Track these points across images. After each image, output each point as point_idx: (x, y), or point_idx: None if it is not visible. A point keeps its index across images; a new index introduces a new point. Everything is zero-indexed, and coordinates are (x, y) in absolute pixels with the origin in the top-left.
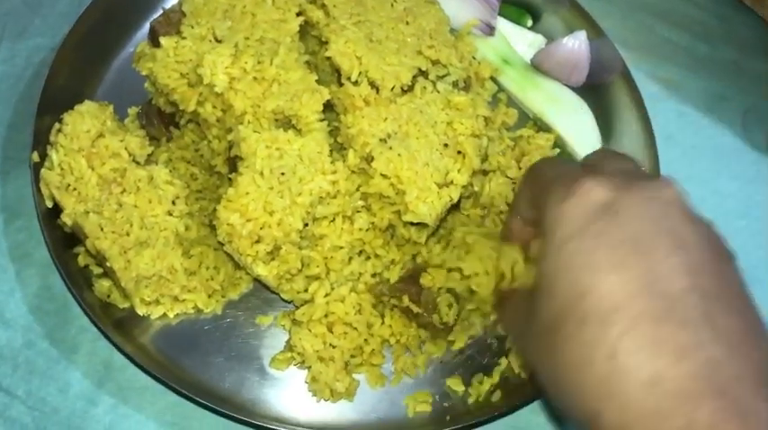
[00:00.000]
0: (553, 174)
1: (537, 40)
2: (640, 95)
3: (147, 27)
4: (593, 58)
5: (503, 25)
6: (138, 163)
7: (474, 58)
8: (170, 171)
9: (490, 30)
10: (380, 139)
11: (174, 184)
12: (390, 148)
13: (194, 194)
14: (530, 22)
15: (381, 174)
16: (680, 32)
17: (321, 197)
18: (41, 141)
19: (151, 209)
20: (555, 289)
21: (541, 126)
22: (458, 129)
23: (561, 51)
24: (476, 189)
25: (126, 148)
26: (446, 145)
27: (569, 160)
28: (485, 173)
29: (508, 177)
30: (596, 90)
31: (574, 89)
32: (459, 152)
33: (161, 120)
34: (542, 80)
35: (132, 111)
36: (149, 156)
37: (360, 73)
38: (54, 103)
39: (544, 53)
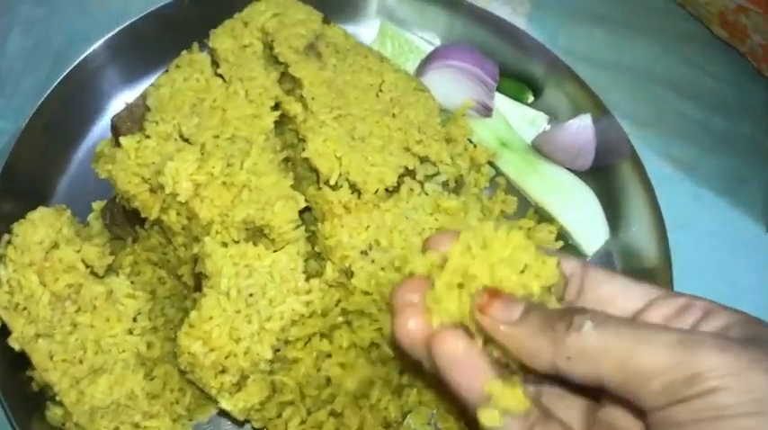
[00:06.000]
0: None
1: (538, 118)
2: (649, 179)
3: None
4: (598, 139)
5: (501, 102)
6: (96, 274)
7: (470, 141)
8: (136, 274)
9: (487, 111)
10: (361, 251)
11: (136, 297)
12: (372, 262)
13: (160, 303)
14: (531, 98)
15: (362, 291)
16: (694, 105)
17: (294, 320)
18: None
19: (109, 328)
20: None
21: (543, 215)
22: None
23: (565, 135)
24: None
25: (83, 260)
26: None
27: None
28: None
29: None
30: (602, 173)
31: (578, 173)
32: None
33: (126, 219)
34: (544, 164)
35: (97, 205)
36: (110, 265)
37: (340, 175)
38: (12, 198)
39: (546, 136)
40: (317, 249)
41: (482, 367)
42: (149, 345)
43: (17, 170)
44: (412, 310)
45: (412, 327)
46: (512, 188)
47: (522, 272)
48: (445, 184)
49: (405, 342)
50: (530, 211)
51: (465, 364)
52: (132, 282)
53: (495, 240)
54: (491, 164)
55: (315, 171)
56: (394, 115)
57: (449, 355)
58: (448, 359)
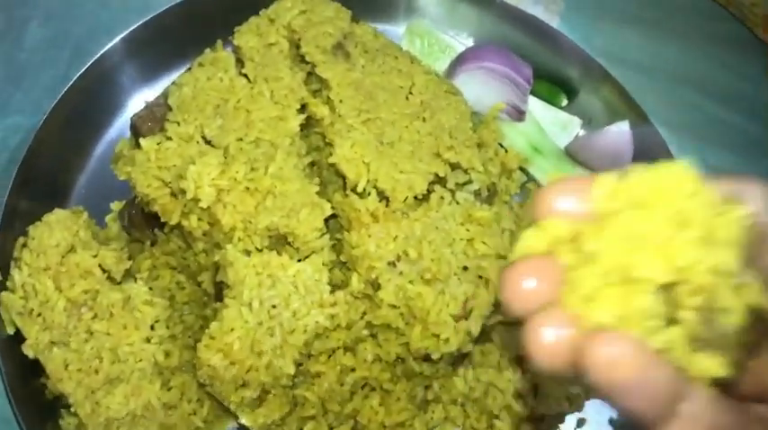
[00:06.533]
0: None
1: (572, 123)
2: None
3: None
4: (635, 146)
5: (534, 105)
6: (113, 279)
7: (501, 145)
8: (154, 279)
9: (519, 114)
10: (389, 263)
11: (154, 304)
12: (400, 274)
13: (179, 308)
14: (564, 102)
15: (389, 304)
16: (731, 111)
17: (318, 333)
18: (7, 249)
19: (126, 336)
20: None
21: None
22: (479, 249)
23: (601, 142)
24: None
25: (100, 265)
26: (466, 268)
27: None
28: None
29: None
30: None
31: None
32: (480, 277)
33: (145, 221)
34: (577, 171)
35: (115, 206)
36: (128, 269)
37: (368, 181)
38: (28, 197)
39: (581, 142)
40: (342, 258)
41: (665, 380)
42: (167, 354)
43: (34, 167)
44: (548, 316)
45: (552, 339)
46: None
47: (706, 244)
48: (477, 193)
49: (541, 357)
50: None
51: (642, 384)
52: (150, 288)
53: (653, 197)
54: (522, 169)
55: (342, 177)
56: (424, 119)
57: (618, 379)
58: (617, 383)
